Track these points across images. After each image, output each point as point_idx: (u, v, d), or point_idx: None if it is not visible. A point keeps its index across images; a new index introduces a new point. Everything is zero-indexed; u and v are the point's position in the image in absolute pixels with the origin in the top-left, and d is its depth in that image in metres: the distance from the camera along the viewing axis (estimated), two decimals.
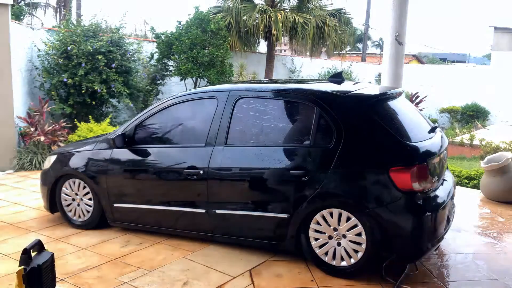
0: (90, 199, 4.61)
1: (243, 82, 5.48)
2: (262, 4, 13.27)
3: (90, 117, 8.32)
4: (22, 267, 2.31)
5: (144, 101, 9.79)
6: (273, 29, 12.30)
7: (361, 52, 27.11)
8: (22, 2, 21.88)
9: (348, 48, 17.54)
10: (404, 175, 3.34)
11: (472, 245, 4.36)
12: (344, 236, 3.54)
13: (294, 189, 3.63)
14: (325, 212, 3.58)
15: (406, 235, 3.36)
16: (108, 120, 8.31)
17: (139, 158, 4.31)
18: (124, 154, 4.38)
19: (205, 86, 4.62)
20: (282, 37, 13.79)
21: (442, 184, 3.87)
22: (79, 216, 4.71)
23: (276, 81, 4.70)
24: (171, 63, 10.48)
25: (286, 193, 3.67)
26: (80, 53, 8.19)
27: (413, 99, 13.60)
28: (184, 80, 10.41)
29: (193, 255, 4.03)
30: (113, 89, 8.60)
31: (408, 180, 3.33)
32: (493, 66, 16.71)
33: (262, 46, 15.35)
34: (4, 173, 7.27)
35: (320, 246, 3.64)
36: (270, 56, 13.61)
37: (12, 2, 7.51)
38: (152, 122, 4.39)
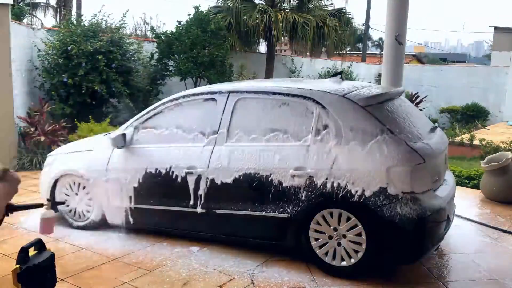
0: (90, 199, 4.62)
1: (243, 82, 5.48)
2: (262, 4, 13.26)
3: (90, 117, 8.31)
4: (18, 266, 2.27)
5: (144, 101, 9.78)
6: (273, 29, 12.29)
7: (361, 52, 27.05)
8: (22, 3, 21.87)
9: (348, 48, 17.53)
10: (404, 175, 3.34)
11: (472, 245, 4.36)
12: (344, 236, 3.54)
13: (294, 189, 3.63)
14: (325, 212, 3.58)
15: (406, 235, 3.36)
16: (108, 120, 8.31)
17: (139, 157, 4.31)
18: (124, 154, 4.39)
19: (206, 86, 4.63)
20: (282, 37, 13.78)
21: (442, 184, 3.88)
22: (79, 217, 4.72)
23: (276, 81, 4.70)
24: (171, 63, 10.47)
25: (286, 193, 3.67)
26: (80, 53, 8.18)
27: (413, 99, 13.59)
28: (184, 80, 10.41)
29: (193, 255, 4.03)
30: (113, 89, 8.60)
31: (408, 180, 3.34)
32: (493, 66, 16.70)
33: (262, 46, 15.33)
34: None
35: (320, 246, 3.64)
36: (270, 56, 13.60)
37: (12, 2, 7.51)
38: (153, 122, 4.39)
